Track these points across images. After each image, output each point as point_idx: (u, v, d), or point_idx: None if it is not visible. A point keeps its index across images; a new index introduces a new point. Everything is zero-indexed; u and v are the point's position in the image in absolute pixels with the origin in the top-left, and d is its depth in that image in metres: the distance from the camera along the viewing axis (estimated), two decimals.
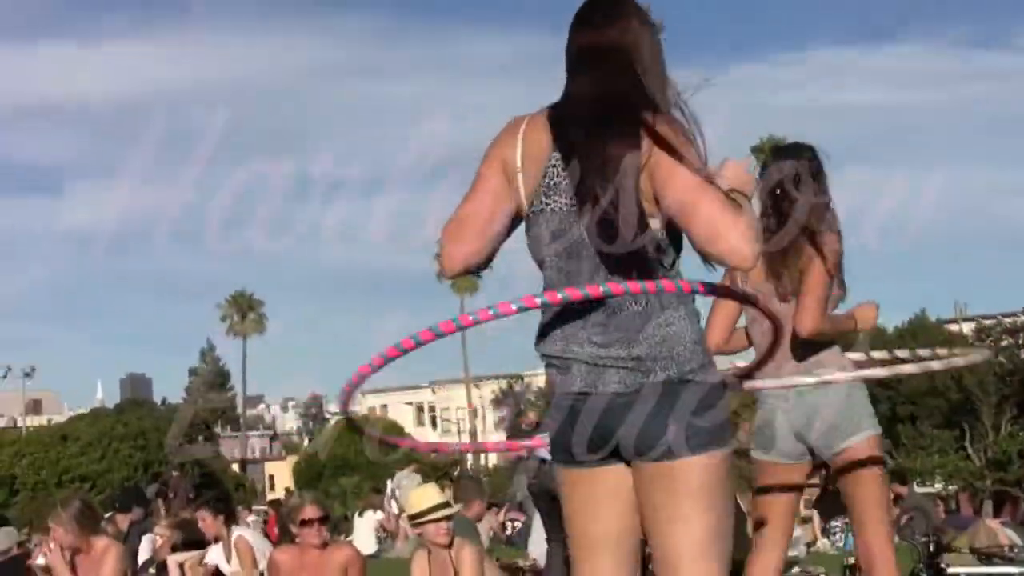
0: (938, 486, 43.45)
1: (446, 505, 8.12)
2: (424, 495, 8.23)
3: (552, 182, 3.56)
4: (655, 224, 3.47)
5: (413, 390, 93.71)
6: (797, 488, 5.84)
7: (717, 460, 3.51)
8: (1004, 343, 43.07)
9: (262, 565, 10.90)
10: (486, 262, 3.69)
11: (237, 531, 11.52)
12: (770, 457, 5.73)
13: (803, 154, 5.64)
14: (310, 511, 8.41)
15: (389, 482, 27.90)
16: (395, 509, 23.55)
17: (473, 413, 77.43)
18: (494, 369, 78.97)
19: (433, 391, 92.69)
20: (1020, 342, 42.78)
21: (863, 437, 5.53)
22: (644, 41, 3.62)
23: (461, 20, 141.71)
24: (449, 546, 8.05)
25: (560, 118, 3.59)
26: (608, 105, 3.52)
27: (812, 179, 5.55)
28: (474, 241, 3.64)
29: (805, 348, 5.50)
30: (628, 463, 3.59)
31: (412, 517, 8.18)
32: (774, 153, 5.85)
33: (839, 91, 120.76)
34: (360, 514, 23.21)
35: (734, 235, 3.27)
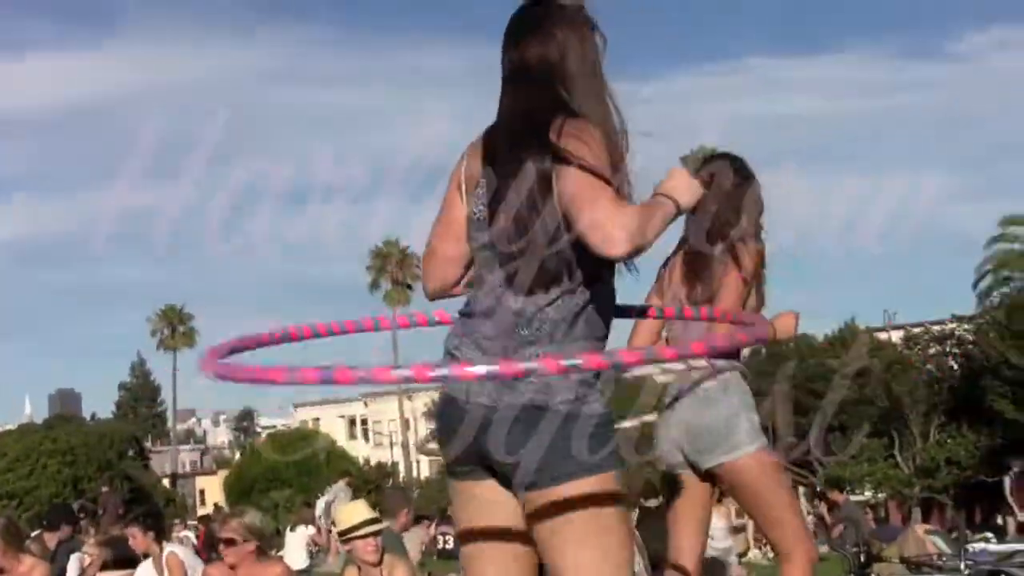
0: (867, 494, 43.79)
1: (375, 521, 8.06)
2: (353, 511, 8.17)
3: (480, 193, 3.61)
4: (566, 236, 3.43)
5: (346, 403, 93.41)
6: (697, 496, 5.64)
7: (592, 487, 3.42)
8: (932, 351, 43.45)
9: None
10: (454, 285, 3.76)
11: (169, 548, 11.38)
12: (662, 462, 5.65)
13: (728, 162, 5.59)
14: (233, 529, 8.28)
15: (321, 495, 27.82)
16: (329, 523, 23.48)
17: (406, 425, 77.15)
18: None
19: (365, 404, 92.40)
20: (948, 350, 43.14)
21: (740, 455, 5.40)
22: (571, 50, 3.61)
23: (407, 29, 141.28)
24: (379, 563, 8.00)
25: (489, 139, 3.63)
26: (524, 119, 3.54)
27: (734, 187, 5.47)
28: (443, 272, 3.75)
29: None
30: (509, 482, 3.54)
31: (341, 533, 8.13)
32: (704, 160, 5.80)
33: (773, 101, 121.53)
34: (292, 529, 23.01)
35: (610, 224, 3.23)
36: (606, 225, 3.24)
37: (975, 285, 52.73)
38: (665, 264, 5.73)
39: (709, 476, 5.53)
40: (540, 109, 3.53)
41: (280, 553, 24.45)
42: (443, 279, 3.76)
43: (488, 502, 3.60)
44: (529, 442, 3.41)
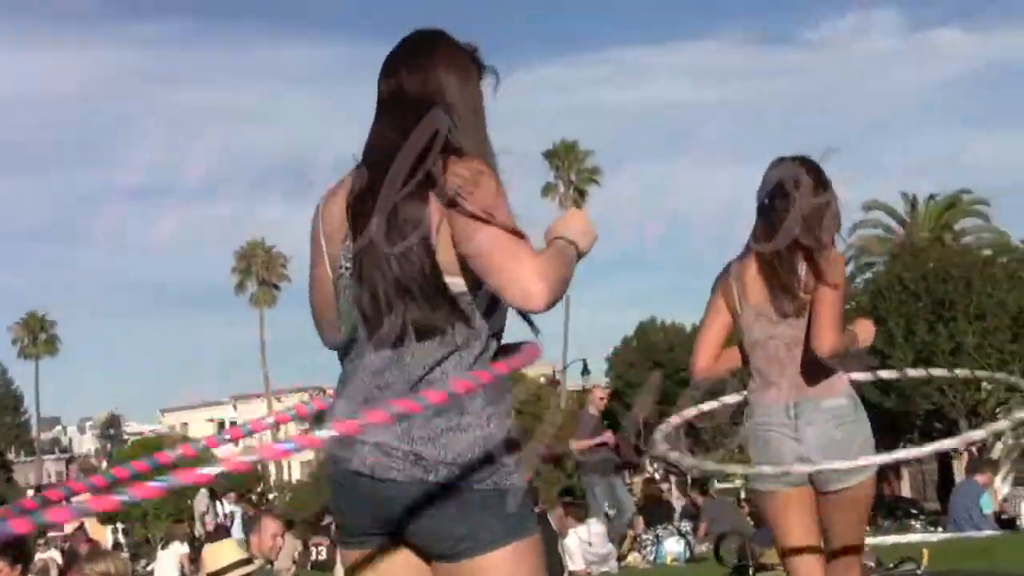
0: (738, 482, 44.06)
1: (246, 562, 7.73)
2: (220, 552, 7.84)
3: (347, 243, 3.38)
4: (454, 281, 3.23)
5: (214, 406, 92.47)
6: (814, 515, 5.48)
7: (515, 552, 3.25)
8: None
9: None
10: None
11: None
12: (776, 486, 5.44)
13: (803, 163, 5.45)
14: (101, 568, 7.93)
15: (196, 503, 27.37)
16: (202, 529, 23.12)
17: (275, 428, 76.27)
18: (296, 382, 78.24)
19: (234, 407, 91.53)
20: None
21: (861, 479, 5.34)
22: (451, 88, 3.43)
23: (265, 26, 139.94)
24: None
25: (359, 176, 3.39)
26: (398, 156, 3.30)
27: (813, 188, 5.36)
28: (325, 322, 3.54)
29: (815, 371, 5.33)
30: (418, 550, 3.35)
31: (210, 575, 7.77)
32: (770, 165, 5.54)
33: (636, 88, 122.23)
34: (164, 546, 22.52)
35: (524, 276, 3.09)
36: (522, 279, 3.09)
37: None
38: (725, 273, 5.57)
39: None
40: (419, 143, 3.31)
41: (151, 568, 23.99)
42: (333, 334, 3.51)
43: (392, 565, 3.38)
44: (445, 513, 3.23)
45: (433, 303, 3.23)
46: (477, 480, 3.22)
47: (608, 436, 17.75)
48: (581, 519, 17.14)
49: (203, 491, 27.62)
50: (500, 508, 3.23)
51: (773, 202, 5.40)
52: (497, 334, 3.35)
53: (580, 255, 3.32)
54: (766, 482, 5.47)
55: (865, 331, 5.52)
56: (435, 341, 3.25)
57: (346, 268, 3.36)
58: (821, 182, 5.43)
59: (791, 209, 5.30)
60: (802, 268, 5.33)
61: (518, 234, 3.16)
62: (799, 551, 5.41)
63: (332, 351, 3.51)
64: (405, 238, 3.22)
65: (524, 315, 3.32)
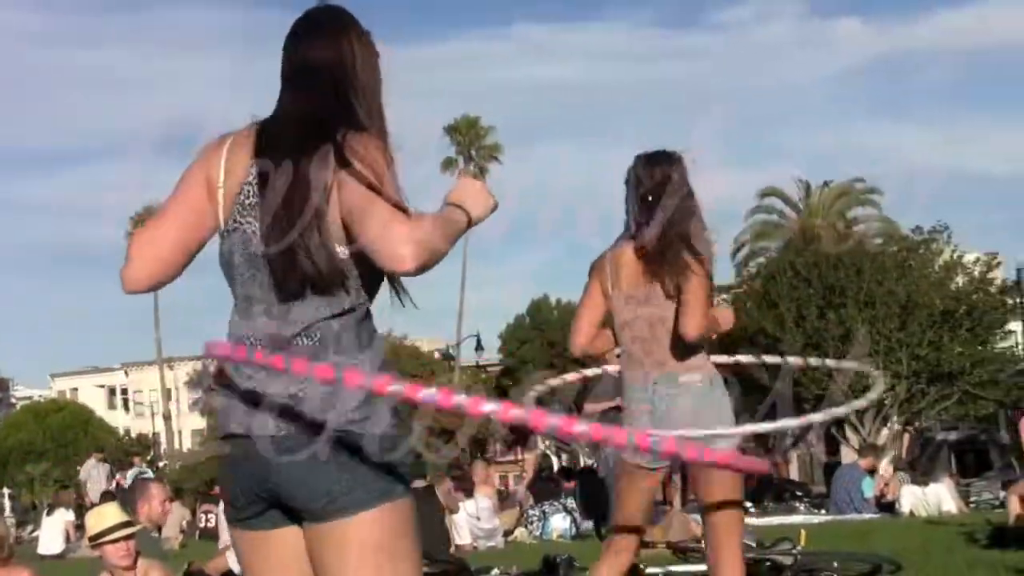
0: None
1: (127, 524, 7.68)
2: (102, 515, 7.78)
3: (248, 201, 3.39)
4: (341, 249, 3.29)
5: (105, 372, 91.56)
6: (649, 492, 5.93)
7: (386, 514, 3.28)
8: None
9: None
10: (173, 278, 3.51)
11: None
12: (635, 460, 5.76)
13: (673, 160, 5.77)
14: None
15: (79, 468, 27.13)
16: (91, 498, 22.92)
17: (167, 395, 75.79)
18: (189, 351, 77.64)
19: (126, 373, 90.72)
20: None
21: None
22: (358, 60, 3.50)
23: None
24: (133, 567, 7.64)
25: (263, 136, 3.43)
26: (308, 125, 3.38)
27: (682, 184, 5.70)
28: (162, 263, 3.46)
29: (681, 351, 5.63)
30: (299, 525, 3.37)
31: (91, 538, 7.73)
32: (644, 160, 5.85)
33: (541, 67, 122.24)
34: (49, 513, 22.33)
35: (398, 239, 3.12)
36: (393, 241, 3.11)
37: (733, 255, 54.21)
38: (601, 259, 5.91)
39: None
40: (325, 113, 3.39)
41: (36, 534, 23.77)
42: (158, 276, 3.46)
43: (279, 548, 3.40)
44: (319, 470, 3.24)
45: (330, 263, 3.28)
46: (350, 424, 3.25)
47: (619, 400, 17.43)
48: (469, 493, 17.25)
49: (90, 460, 27.42)
50: (374, 463, 3.26)
51: (650, 196, 5.70)
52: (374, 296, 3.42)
53: (473, 222, 3.35)
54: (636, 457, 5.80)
55: (725, 318, 5.88)
56: (326, 299, 3.31)
57: (243, 224, 3.37)
58: (686, 180, 5.78)
59: (668, 203, 5.64)
60: (682, 256, 5.63)
61: (400, 207, 3.20)
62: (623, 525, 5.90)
63: (130, 292, 3.47)
64: (303, 204, 3.26)
65: (392, 281, 3.41)
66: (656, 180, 5.71)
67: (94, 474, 26.32)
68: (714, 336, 5.80)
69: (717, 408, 5.64)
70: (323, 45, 3.50)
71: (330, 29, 3.53)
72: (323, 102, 3.43)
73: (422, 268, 3.16)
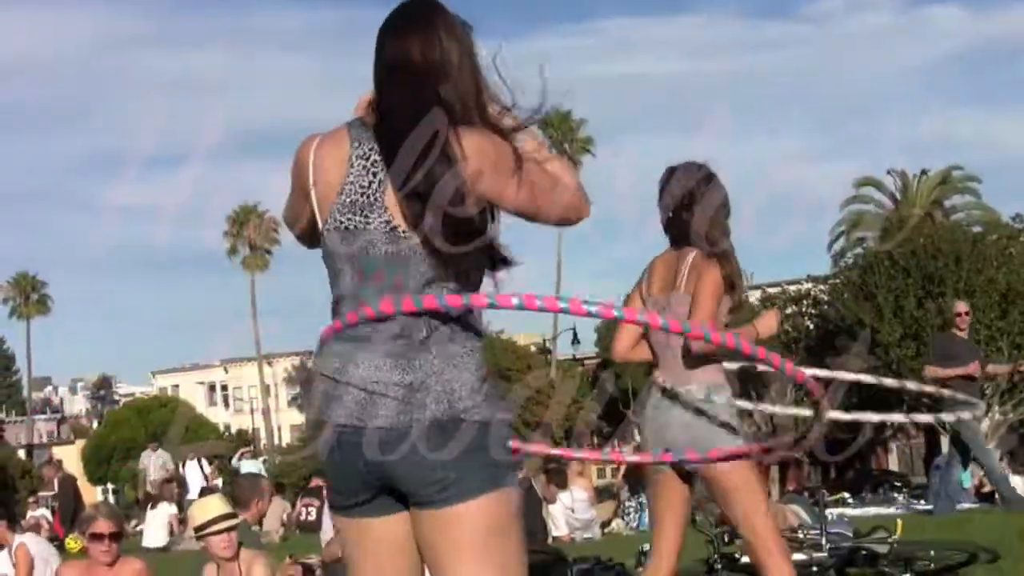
0: None
1: (229, 516, 7.84)
2: (206, 507, 7.96)
3: (350, 200, 3.42)
4: (490, 230, 3.42)
5: (204, 369, 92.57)
6: (681, 497, 5.91)
7: (496, 502, 3.35)
8: (789, 311, 44.00)
9: (47, 573, 10.53)
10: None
11: (19, 539, 11.11)
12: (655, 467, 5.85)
13: (697, 171, 5.86)
14: (102, 525, 8.02)
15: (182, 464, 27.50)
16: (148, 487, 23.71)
17: (266, 391, 76.51)
18: (286, 346, 78.31)
19: (225, 370, 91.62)
20: (804, 310, 43.67)
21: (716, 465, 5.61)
22: (454, 56, 3.49)
23: None
24: (235, 558, 7.80)
25: (375, 134, 3.45)
26: (415, 119, 3.37)
27: (706, 195, 5.78)
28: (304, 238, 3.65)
29: (692, 359, 5.69)
30: (407, 510, 3.43)
31: (196, 529, 7.91)
32: (669, 172, 5.95)
33: (629, 61, 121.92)
34: (152, 506, 22.63)
35: (569, 192, 3.47)
36: (571, 194, 3.48)
37: (830, 246, 53.74)
38: (648, 266, 5.99)
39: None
40: (439, 108, 3.40)
41: (140, 528, 24.11)
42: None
43: (386, 536, 3.48)
44: (431, 458, 3.30)
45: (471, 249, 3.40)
46: (463, 412, 3.32)
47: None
48: (563, 486, 17.32)
49: (146, 451, 27.90)
50: (485, 452, 3.32)
51: (681, 211, 5.82)
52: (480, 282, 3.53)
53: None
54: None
55: (766, 325, 5.85)
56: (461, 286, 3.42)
57: (344, 225, 3.42)
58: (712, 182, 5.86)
59: (700, 217, 5.75)
60: (686, 268, 5.75)
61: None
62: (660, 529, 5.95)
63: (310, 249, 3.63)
64: (440, 196, 3.31)
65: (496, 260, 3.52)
66: (683, 190, 5.80)
67: (149, 464, 26.87)
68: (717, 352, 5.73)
69: (708, 419, 5.63)
70: (418, 42, 3.48)
71: (423, 27, 3.50)
72: (431, 97, 3.41)
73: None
